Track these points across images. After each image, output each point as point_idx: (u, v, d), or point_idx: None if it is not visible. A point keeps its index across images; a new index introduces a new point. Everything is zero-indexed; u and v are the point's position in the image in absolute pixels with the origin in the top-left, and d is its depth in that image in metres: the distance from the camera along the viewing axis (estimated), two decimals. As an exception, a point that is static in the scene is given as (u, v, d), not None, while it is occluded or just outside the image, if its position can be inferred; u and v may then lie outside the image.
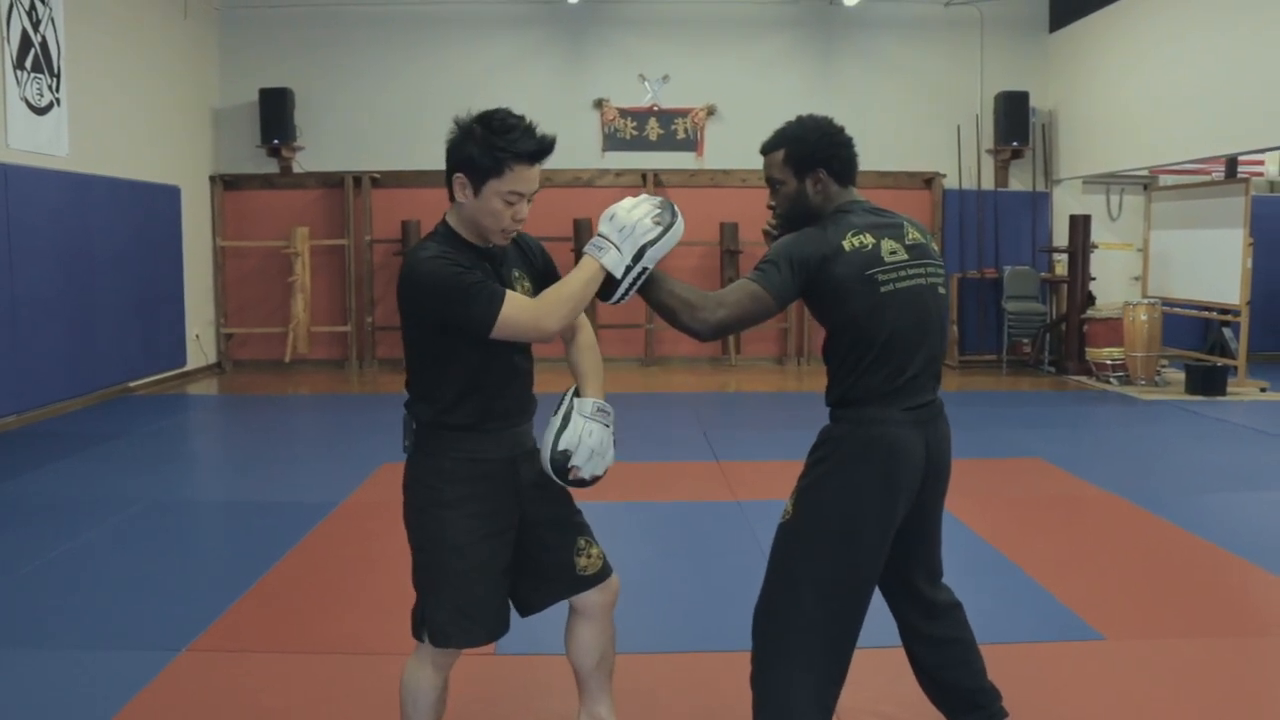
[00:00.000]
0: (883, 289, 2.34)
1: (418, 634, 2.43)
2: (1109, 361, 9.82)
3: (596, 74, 11.27)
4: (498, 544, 2.40)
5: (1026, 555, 4.55)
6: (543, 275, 2.52)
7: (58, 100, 8.06)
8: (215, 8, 10.96)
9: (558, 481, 2.41)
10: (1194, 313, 10.46)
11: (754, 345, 11.39)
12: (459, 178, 2.28)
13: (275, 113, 10.72)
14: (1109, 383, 9.75)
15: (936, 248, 2.53)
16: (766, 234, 2.65)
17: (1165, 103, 9.40)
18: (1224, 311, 9.80)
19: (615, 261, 2.27)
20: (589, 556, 2.53)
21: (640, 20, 11.29)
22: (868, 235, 2.37)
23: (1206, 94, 8.78)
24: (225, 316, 11.09)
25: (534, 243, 2.58)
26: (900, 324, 2.35)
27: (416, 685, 2.43)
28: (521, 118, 2.30)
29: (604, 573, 2.56)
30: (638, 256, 2.28)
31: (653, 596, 4.09)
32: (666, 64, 11.26)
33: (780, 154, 2.47)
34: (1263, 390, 9.22)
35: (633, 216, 2.30)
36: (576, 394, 2.50)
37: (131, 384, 9.31)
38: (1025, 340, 11.07)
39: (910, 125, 11.36)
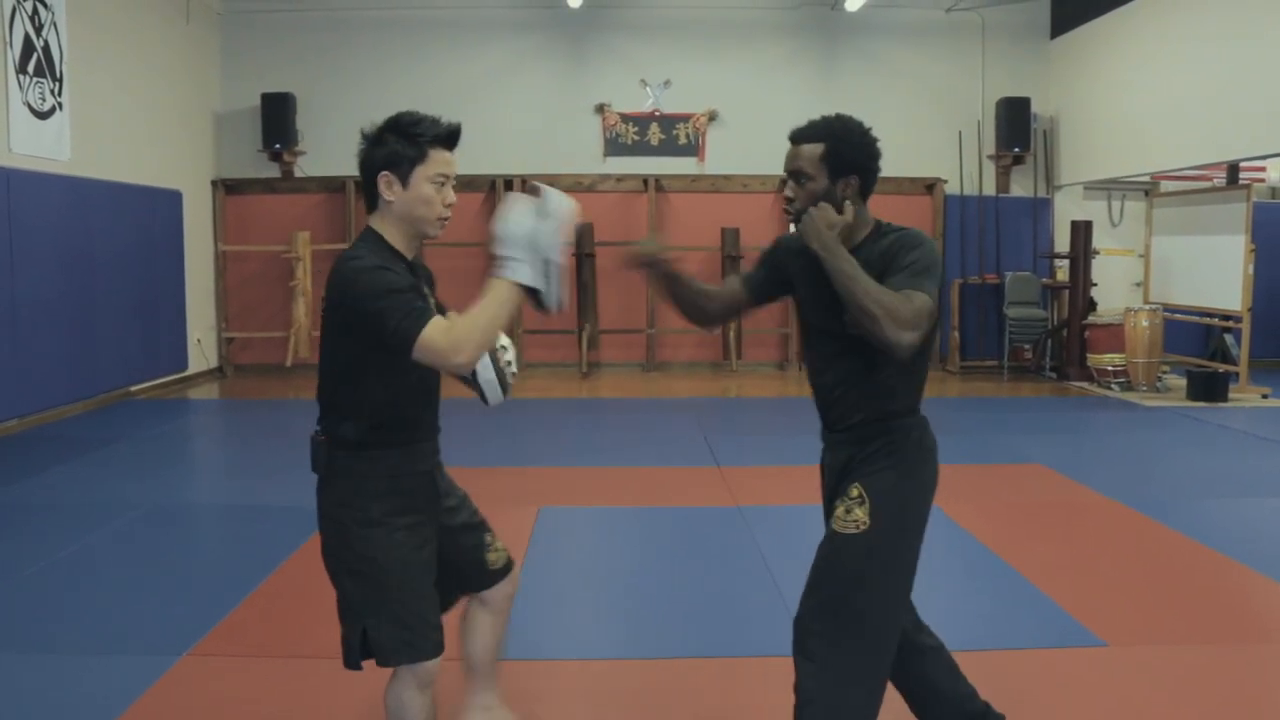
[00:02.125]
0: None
1: (352, 662, 2.38)
2: (1110, 367, 9.81)
3: (598, 79, 11.28)
4: (427, 555, 2.41)
5: (1028, 561, 4.54)
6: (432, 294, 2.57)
7: (60, 105, 8.07)
8: (217, 12, 10.98)
9: (497, 388, 2.45)
10: (1195, 319, 10.46)
11: (755, 351, 11.39)
12: (384, 176, 2.31)
13: (277, 117, 10.74)
14: (1110, 389, 9.74)
15: None
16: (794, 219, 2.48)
17: (1167, 109, 9.40)
18: (1225, 318, 9.81)
19: (528, 274, 2.19)
20: (495, 550, 2.62)
21: (642, 25, 11.31)
22: None
23: (1208, 100, 8.79)
24: (226, 321, 11.10)
25: (427, 268, 2.59)
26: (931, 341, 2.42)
27: (403, 709, 2.40)
28: (423, 113, 2.38)
29: (509, 565, 2.65)
30: (546, 259, 2.21)
31: (653, 601, 4.09)
32: (668, 69, 11.27)
33: (820, 149, 2.33)
34: (1264, 396, 9.21)
35: (517, 225, 2.20)
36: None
37: (133, 388, 9.31)
38: (1026, 346, 11.06)
39: (912, 131, 11.35)
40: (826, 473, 2.53)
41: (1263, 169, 11.88)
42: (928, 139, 11.39)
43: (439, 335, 2.14)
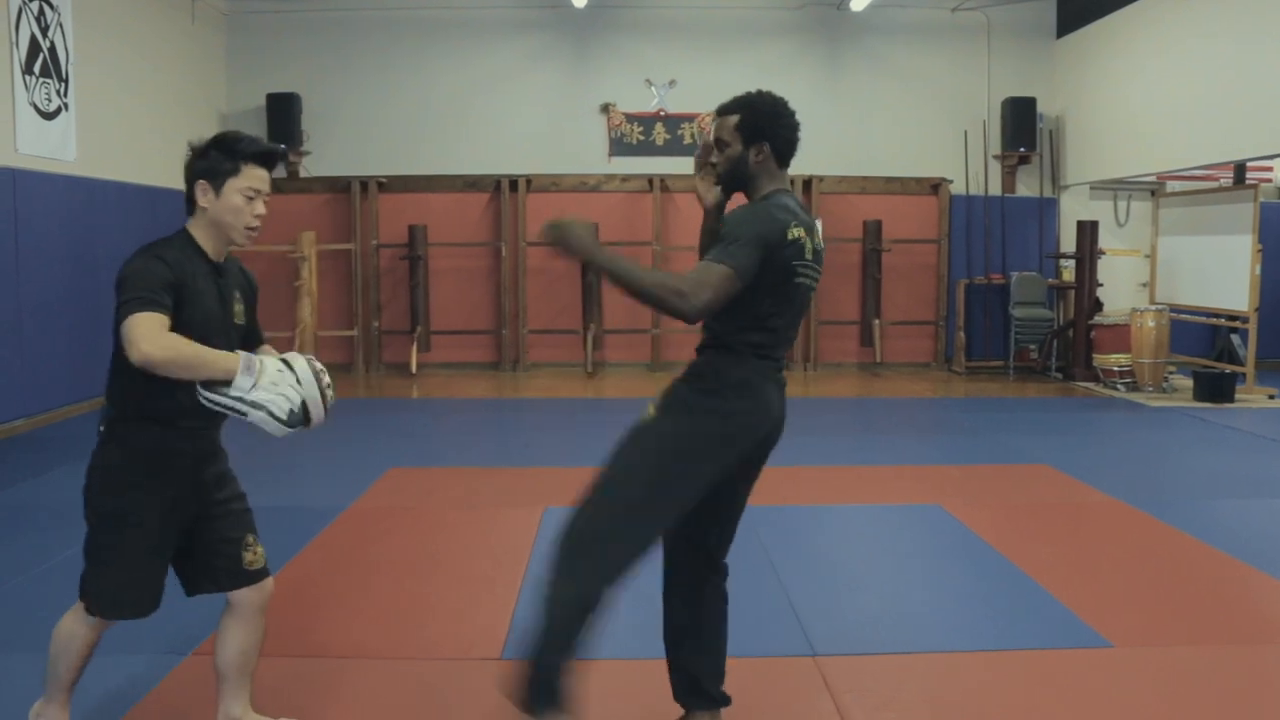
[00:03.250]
0: (796, 279, 2.55)
1: (82, 595, 2.61)
2: (1116, 368, 9.79)
3: (603, 79, 11.28)
4: (171, 530, 2.60)
5: (1034, 562, 4.53)
6: (251, 305, 2.80)
7: (66, 105, 8.09)
8: (223, 13, 10.99)
9: (321, 410, 2.53)
10: (1202, 319, 10.43)
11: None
12: (201, 184, 2.56)
13: (282, 118, 10.75)
14: (1116, 389, 9.72)
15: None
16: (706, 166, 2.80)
17: (1173, 109, 9.38)
18: (1232, 318, 9.78)
19: (241, 385, 2.41)
20: (255, 553, 2.73)
21: (647, 25, 11.30)
22: (802, 230, 2.55)
23: (1215, 100, 8.77)
24: (232, 321, 11.09)
25: (253, 278, 2.85)
26: (791, 315, 2.61)
27: (70, 636, 2.64)
28: (246, 134, 2.64)
29: (264, 571, 2.75)
30: (254, 405, 2.41)
31: (655, 601, 4.07)
32: (673, 69, 11.27)
33: (735, 118, 2.67)
34: (1271, 397, 9.19)
35: (286, 390, 2.44)
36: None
37: (138, 388, 9.31)
38: (1032, 346, 11.04)
39: (917, 131, 11.35)
40: None
41: (1269, 169, 11.86)
42: (933, 139, 11.37)
43: (148, 322, 2.34)
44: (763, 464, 2.73)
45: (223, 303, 2.62)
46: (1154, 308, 9.70)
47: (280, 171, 11.03)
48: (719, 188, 2.73)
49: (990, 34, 11.36)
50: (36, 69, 7.69)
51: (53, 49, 7.90)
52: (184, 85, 10.23)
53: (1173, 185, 11.57)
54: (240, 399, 2.40)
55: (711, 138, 2.73)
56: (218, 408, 2.43)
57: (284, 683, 3.32)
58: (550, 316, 11.18)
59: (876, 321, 11.13)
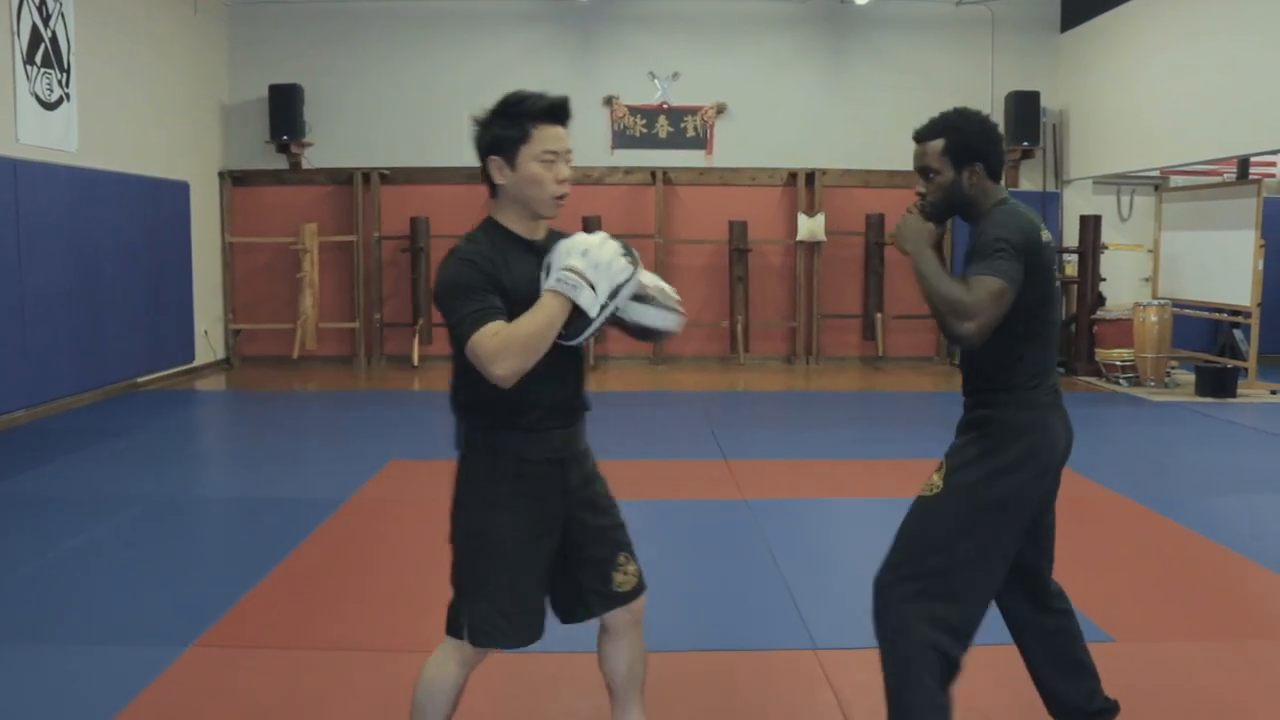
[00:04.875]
0: (1054, 283, 2.48)
1: (454, 630, 2.38)
2: (1119, 363, 9.78)
3: (606, 71, 11.26)
4: (542, 548, 2.37)
5: (1036, 557, 4.52)
6: None
7: (67, 95, 8.07)
8: (225, 3, 10.97)
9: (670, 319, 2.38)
10: (1204, 314, 10.42)
11: (762, 344, 11.36)
12: (493, 160, 2.31)
13: (285, 109, 10.72)
14: (1119, 384, 9.71)
15: None
16: (914, 210, 2.61)
17: (1177, 103, 9.36)
18: (1234, 313, 9.76)
19: (590, 300, 2.18)
20: (625, 573, 2.48)
21: (650, 17, 11.28)
22: (1046, 231, 2.47)
23: (1218, 95, 8.74)
24: (234, 312, 11.10)
25: None
26: (1056, 316, 2.51)
27: (436, 679, 2.39)
28: (530, 91, 2.36)
29: (636, 591, 2.52)
30: (613, 294, 2.19)
31: (659, 595, 4.06)
32: (676, 61, 11.24)
33: (939, 143, 2.50)
34: (1273, 392, 9.17)
35: (605, 253, 2.20)
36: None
37: (140, 379, 9.32)
38: (1034, 341, 11.02)
39: (919, 125, 11.31)
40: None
41: (1273, 164, 11.83)
42: (936, 133, 11.34)
43: (485, 341, 2.15)
44: (1059, 485, 2.69)
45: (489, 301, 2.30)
46: (1156, 303, 9.69)
47: (282, 163, 11.03)
48: (930, 223, 2.53)
49: (994, 28, 11.33)
50: (38, 59, 7.67)
51: (54, 39, 7.88)
52: (186, 76, 10.21)
53: (1176, 180, 11.53)
54: (602, 307, 2.17)
55: (914, 167, 2.56)
56: (593, 334, 2.21)
57: (285, 675, 3.33)
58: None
59: (879, 315, 11.11)
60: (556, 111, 2.32)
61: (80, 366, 7.96)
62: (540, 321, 2.17)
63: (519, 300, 2.23)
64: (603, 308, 2.19)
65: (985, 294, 2.28)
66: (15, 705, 3.07)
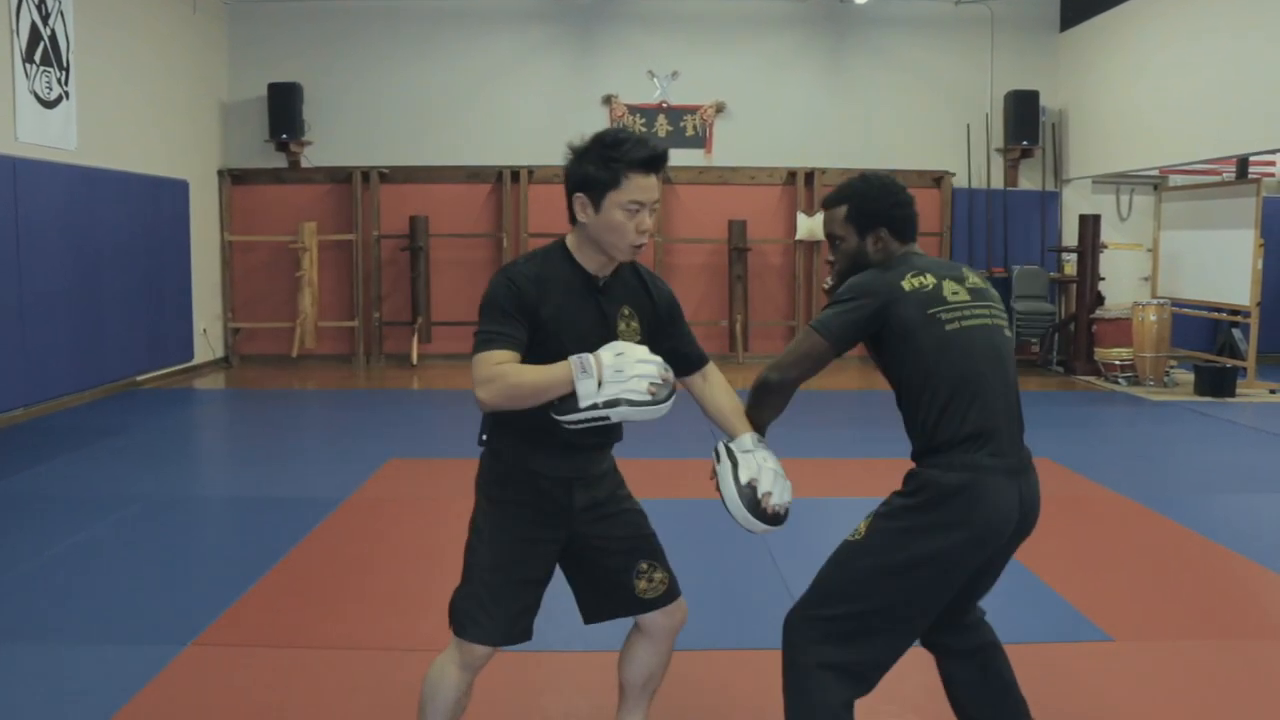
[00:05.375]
0: (947, 327, 2.29)
1: (449, 616, 2.42)
2: (1118, 362, 9.78)
3: (605, 70, 11.26)
4: (533, 554, 2.38)
5: (1034, 556, 4.50)
6: (662, 320, 2.46)
7: (66, 94, 8.06)
8: (224, 2, 10.97)
9: (757, 526, 2.39)
10: (1203, 314, 10.42)
11: (762, 344, 11.36)
12: (579, 198, 2.27)
13: (284, 107, 10.72)
14: (1117, 383, 9.71)
15: (996, 293, 2.49)
16: (828, 292, 2.57)
17: (1176, 103, 9.36)
18: (1234, 312, 9.77)
19: (587, 392, 2.14)
20: (650, 580, 2.50)
21: (650, 16, 11.27)
22: (929, 276, 2.33)
23: (1218, 94, 8.74)
24: (232, 311, 11.10)
25: (664, 288, 2.50)
26: (971, 364, 2.28)
27: (439, 681, 2.42)
28: (633, 132, 2.34)
29: (667, 597, 2.52)
30: (610, 404, 2.14)
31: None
32: (676, 60, 11.23)
33: (843, 210, 2.46)
34: (1272, 392, 9.18)
35: (635, 369, 2.15)
36: (729, 439, 2.47)
37: (139, 378, 9.32)
38: (1034, 340, 11.03)
39: (920, 124, 11.33)
40: None
41: (1272, 163, 11.84)
42: (935, 132, 11.35)
43: (484, 365, 2.17)
44: (1012, 553, 2.43)
45: (604, 321, 2.32)
46: (1155, 302, 9.69)
47: (281, 161, 11.03)
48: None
49: (993, 27, 11.32)
50: (37, 57, 7.67)
51: (53, 37, 7.88)
52: (185, 74, 10.20)
53: (1175, 179, 11.53)
54: (593, 405, 2.13)
55: (823, 234, 2.55)
56: (580, 425, 2.18)
57: (283, 674, 3.33)
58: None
59: (878, 314, 11.10)
60: (654, 163, 2.27)
61: (79, 365, 7.95)
62: (540, 380, 2.17)
63: (553, 333, 2.25)
64: (593, 406, 2.14)
65: (795, 346, 2.35)
66: (14, 704, 3.07)
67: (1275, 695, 3.25)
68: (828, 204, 2.51)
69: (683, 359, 2.50)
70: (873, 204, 2.43)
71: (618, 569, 2.47)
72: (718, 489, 2.39)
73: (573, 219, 2.32)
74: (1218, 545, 4.71)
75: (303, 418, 8.73)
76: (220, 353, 10.98)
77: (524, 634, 2.41)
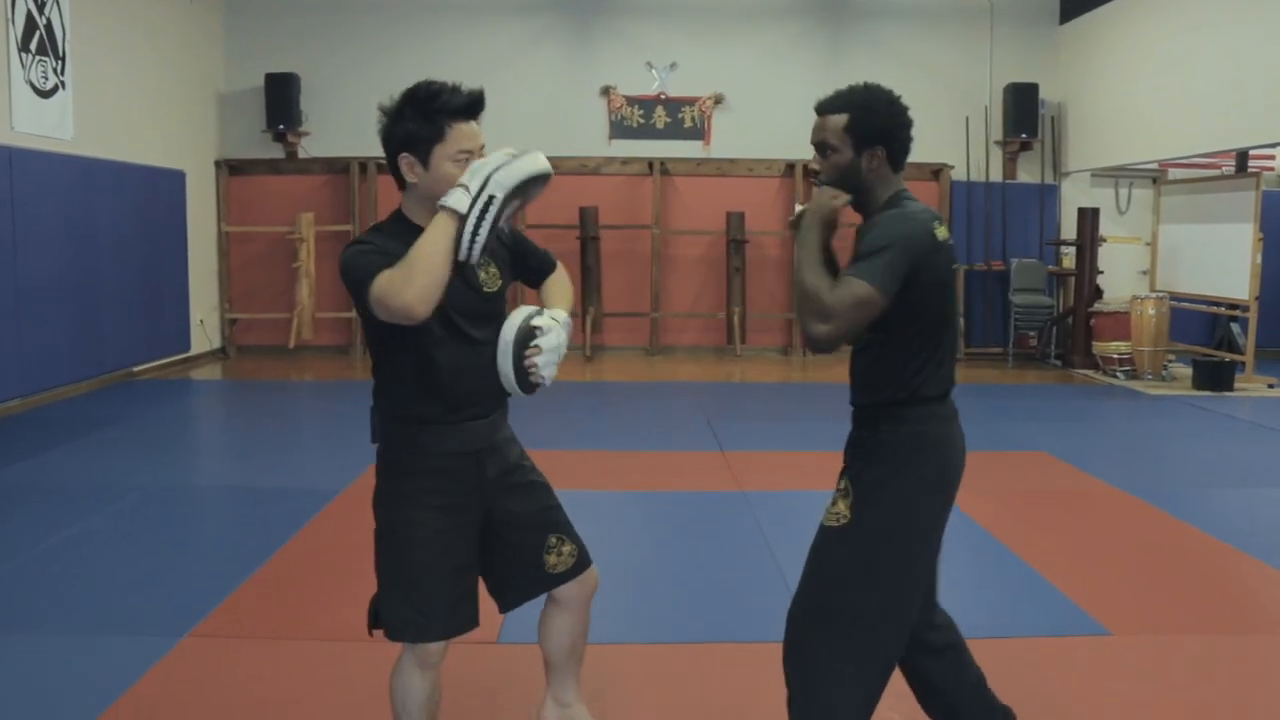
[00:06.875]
0: (952, 286, 2.27)
1: (371, 628, 2.36)
2: (1116, 355, 9.78)
3: (603, 61, 11.22)
4: (456, 539, 2.33)
5: (1032, 550, 4.53)
6: (513, 251, 2.48)
7: (63, 83, 8.03)
8: (221, -8, 10.93)
9: (507, 369, 2.28)
10: (1202, 307, 10.42)
11: (759, 335, 11.36)
12: (405, 158, 2.21)
13: (281, 98, 10.69)
14: (1116, 377, 9.71)
15: None
16: (792, 224, 2.39)
17: (1175, 96, 9.34)
18: (1232, 306, 9.77)
19: (459, 198, 2.08)
20: (559, 554, 2.46)
21: (648, 7, 11.24)
22: (943, 224, 2.24)
23: (1217, 88, 8.73)
24: (230, 302, 11.08)
25: (504, 232, 2.45)
26: (953, 311, 2.28)
27: (405, 689, 2.37)
28: (444, 82, 2.25)
29: (577, 568, 2.50)
30: (484, 185, 2.08)
31: (656, 587, 4.08)
32: (674, 52, 11.20)
33: (842, 119, 2.26)
34: (1270, 386, 9.18)
35: (486, 160, 2.13)
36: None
37: (135, 369, 9.30)
38: (1032, 333, 11.03)
39: (918, 116, 10.91)
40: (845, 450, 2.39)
41: (1272, 157, 11.81)
42: (934, 124, 11.30)
43: (382, 281, 2.08)
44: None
45: (464, 279, 2.26)
46: (1154, 295, 9.69)
47: (278, 152, 10.99)
48: (839, 204, 2.28)
49: (993, 19, 11.30)
50: (33, 46, 7.63)
51: (49, 26, 7.84)
52: (182, 64, 10.16)
53: (1174, 173, 11.52)
54: (474, 200, 2.07)
55: (811, 141, 2.33)
56: (483, 237, 2.09)
57: (280, 665, 3.32)
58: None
59: (876, 307, 11.10)
60: (474, 108, 2.22)
61: (76, 355, 7.94)
62: (428, 238, 2.09)
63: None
64: (474, 200, 2.08)
65: (849, 298, 2.07)
66: (9, 694, 3.07)
67: (1272, 689, 3.25)
68: (823, 109, 2.30)
69: (535, 271, 2.54)
70: (878, 119, 2.26)
71: (528, 546, 2.43)
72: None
73: (400, 184, 2.26)
74: (1215, 540, 4.72)
75: (300, 409, 8.71)
76: (217, 343, 10.96)
77: (469, 621, 2.36)
